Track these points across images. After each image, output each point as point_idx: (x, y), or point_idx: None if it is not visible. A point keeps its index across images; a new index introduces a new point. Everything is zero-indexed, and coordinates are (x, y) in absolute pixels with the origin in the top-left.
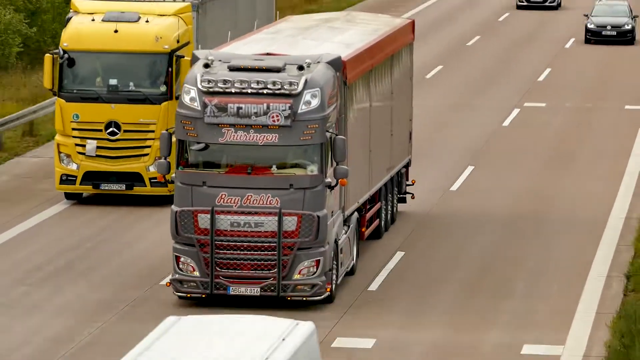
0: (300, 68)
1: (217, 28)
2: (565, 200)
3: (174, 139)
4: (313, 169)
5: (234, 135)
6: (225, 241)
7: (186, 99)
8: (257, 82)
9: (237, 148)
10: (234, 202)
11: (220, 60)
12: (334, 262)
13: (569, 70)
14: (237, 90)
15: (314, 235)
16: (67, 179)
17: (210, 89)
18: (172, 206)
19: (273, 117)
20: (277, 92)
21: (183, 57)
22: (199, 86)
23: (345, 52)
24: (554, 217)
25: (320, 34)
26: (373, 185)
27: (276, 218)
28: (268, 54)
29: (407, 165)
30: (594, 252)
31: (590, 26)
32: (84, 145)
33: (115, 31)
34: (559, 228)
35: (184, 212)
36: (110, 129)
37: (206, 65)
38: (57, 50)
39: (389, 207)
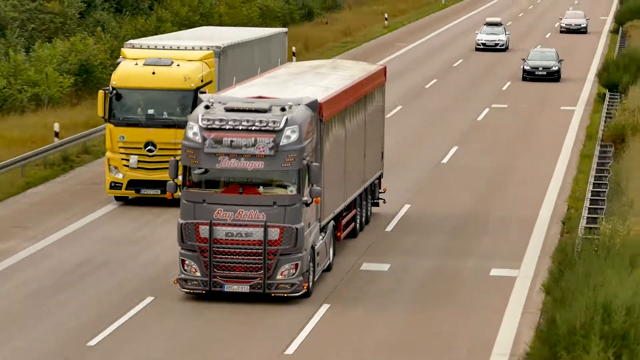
0: (283, 109)
1: (236, 69)
2: (521, 169)
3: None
4: (292, 190)
5: (228, 162)
6: (221, 248)
7: (190, 133)
8: (247, 121)
9: (231, 173)
10: (228, 216)
11: (219, 102)
12: (311, 264)
13: (523, 83)
14: (231, 127)
15: (293, 243)
16: (114, 185)
17: (209, 126)
18: (178, 219)
19: (259, 148)
20: (263, 128)
21: (205, 92)
22: (200, 123)
23: (322, 95)
24: (513, 181)
25: (307, 79)
26: (348, 197)
27: (262, 229)
28: (260, 97)
29: (379, 177)
30: (540, 206)
31: (526, 67)
32: (128, 159)
33: (153, 73)
34: (516, 189)
35: (187, 224)
36: (148, 147)
37: (207, 107)
38: (108, 87)
39: (364, 212)
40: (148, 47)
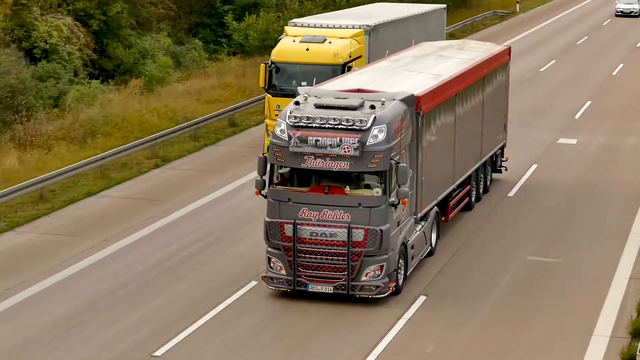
0: (372, 107)
1: (389, 44)
2: None
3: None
4: (378, 191)
5: (313, 162)
6: (305, 247)
7: (277, 130)
8: (334, 119)
9: (316, 172)
10: (313, 216)
11: (315, 96)
12: (402, 262)
13: None
14: (317, 125)
15: (377, 245)
16: None
17: (296, 124)
18: (265, 217)
19: (345, 148)
20: (349, 127)
21: (352, 67)
22: (287, 121)
23: (426, 86)
24: (624, 155)
25: (425, 64)
26: (458, 179)
27: (347, 230)
28: (359, 90)
29: (502, 147)
30: None
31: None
32: None
33: (307, 49)
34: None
35: (272, 223)
36: None
37: (297, 103)
38: (268, 61)
39: (482, 184)
40: (308, 26)
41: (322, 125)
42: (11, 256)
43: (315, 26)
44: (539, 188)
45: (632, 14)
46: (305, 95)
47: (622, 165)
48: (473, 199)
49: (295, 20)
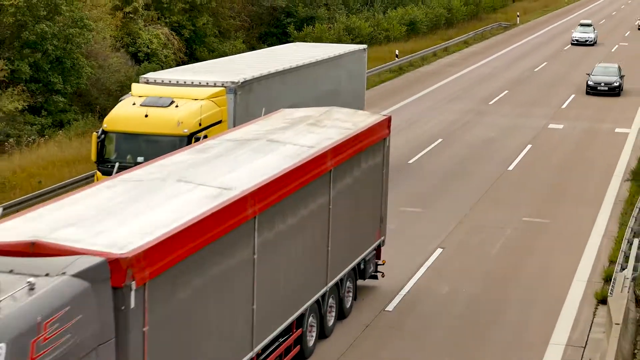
0: None
1: (269, 101)
2: (605, 132)
3: None
4: None
5: None
6: None
7: None
8: None
9: None
10: None
11: None
12: None
13: (615, 53)
14: None
15: None
16: None
17: None
18: None
19: None
20: None
21: (206, 136)
22: None
23: (167, 228)
24: (600, 138)
25: (228, 162)
26: (261, 342)
27: None
28: (34, 244)
29: (377, 248)
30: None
31: (590, 83)
32: None
33: (146, 116)
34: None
35: None
36: None
37: None
38: (99, 130)
39: (332, 314)
40: (162, 82)
41: None
42: None
43: (170, 83)
44: (532, 163)
45: (587, 42)
46: None
47: (598, 145)
48: (311, 343)
49: (147, 75)
